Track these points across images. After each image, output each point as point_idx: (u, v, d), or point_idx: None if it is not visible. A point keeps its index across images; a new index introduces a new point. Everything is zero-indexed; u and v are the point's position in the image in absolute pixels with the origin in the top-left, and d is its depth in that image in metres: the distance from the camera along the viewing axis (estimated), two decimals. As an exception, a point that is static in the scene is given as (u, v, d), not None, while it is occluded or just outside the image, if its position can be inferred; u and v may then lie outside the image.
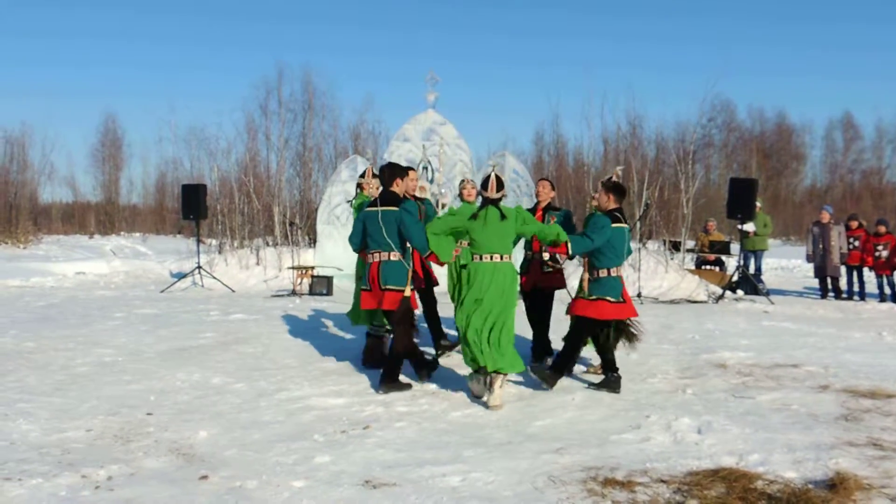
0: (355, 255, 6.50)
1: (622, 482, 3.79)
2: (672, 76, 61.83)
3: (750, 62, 59.85)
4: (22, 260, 19.30)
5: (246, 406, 5.35)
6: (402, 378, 5.89)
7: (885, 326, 9.35)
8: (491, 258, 5.43)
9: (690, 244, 15.61)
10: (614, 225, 5.75)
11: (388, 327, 6.43)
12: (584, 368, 6.56)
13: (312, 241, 16.73)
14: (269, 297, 12.43)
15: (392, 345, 5.92)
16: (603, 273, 5.75)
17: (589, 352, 6.45)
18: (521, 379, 6.07)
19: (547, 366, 6.03)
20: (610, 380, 5.82)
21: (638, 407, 5.34)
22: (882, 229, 12.59)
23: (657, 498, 3.60)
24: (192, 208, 14.10)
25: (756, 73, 60.71)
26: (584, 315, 5.76)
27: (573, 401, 5.51)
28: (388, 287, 5.81)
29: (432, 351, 7.05)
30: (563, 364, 5.90)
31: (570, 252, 5.72)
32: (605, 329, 5.93)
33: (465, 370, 5.77)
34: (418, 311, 6.45)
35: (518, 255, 6.26)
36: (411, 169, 6.91)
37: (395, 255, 5.83)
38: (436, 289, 7.30)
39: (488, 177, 5.57)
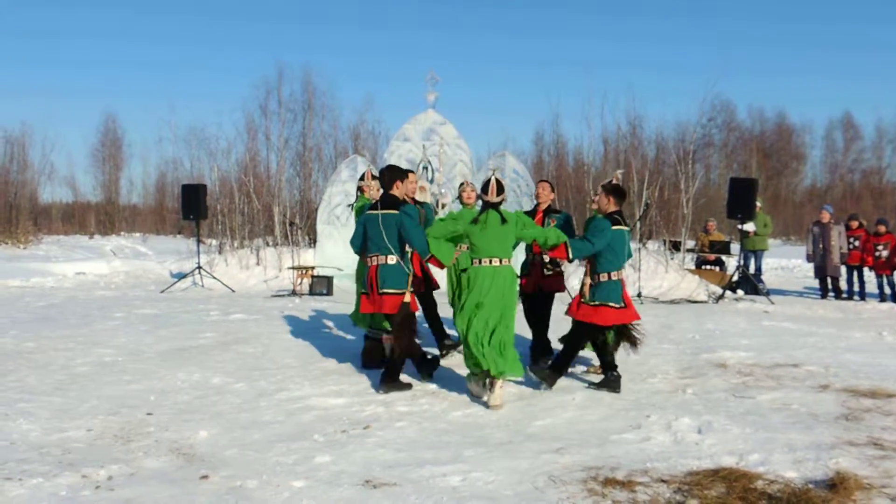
0: (356, 256, 6.50)
1: (622, 482, 3.80)
2: (672, 76, 61.93)
3: (750, 62, 59.96)
4: (22, 260, 19.30)
5: (246, 406, 5.35)
6: (403, 378, 5.89)
7: (886, 326, 9.35)
8: (490, 262, 5.43)
9: (690, 244, 15.61)
10: (614, 227, 5.75)
11: (388, 329, 6.42)
12: (584, 368, 6.56)
13: (312, 241, 16.73)
14: (270, 298, 12.43)
15: (391, 349, 5.92)
16: (604, 277, 5.75)
17: (590, 351, 6.44)
18: (521, 379, 6.07)
19: (546, 366, 6.03)
20: (610, 379, 5.82)
21: (638, 407, 5.34)
22: (882, 229, 12.59)
23: (657, 498, 3.60)
24: (192, 208, 14.10)
25: (756, 73, 60.82)
26: (587, 321, 5.76)
27: (573, 400, 5.51)
28: (385, 291, 5.81)
29: (435, 351, 7.05)
30: (563, 365, 5.90)
31: (571, 256, 5.73)
32: (605, 332, 5.93)
33: (465, 370, 5.77)
34: (418, 313, 6.45)
35: (519, 257, 6.27)
36: (411, 172, 6.91)
37: (392, 259, 5.83)
38: (435, 292, 7.30)
39: (489, 181, 5.57)
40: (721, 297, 12.38)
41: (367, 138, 32.59)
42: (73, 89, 66.53)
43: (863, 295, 12.74)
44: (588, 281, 5.85)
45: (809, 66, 62.85)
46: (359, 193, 7.17)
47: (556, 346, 6.47)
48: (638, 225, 14.51)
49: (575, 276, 12.75)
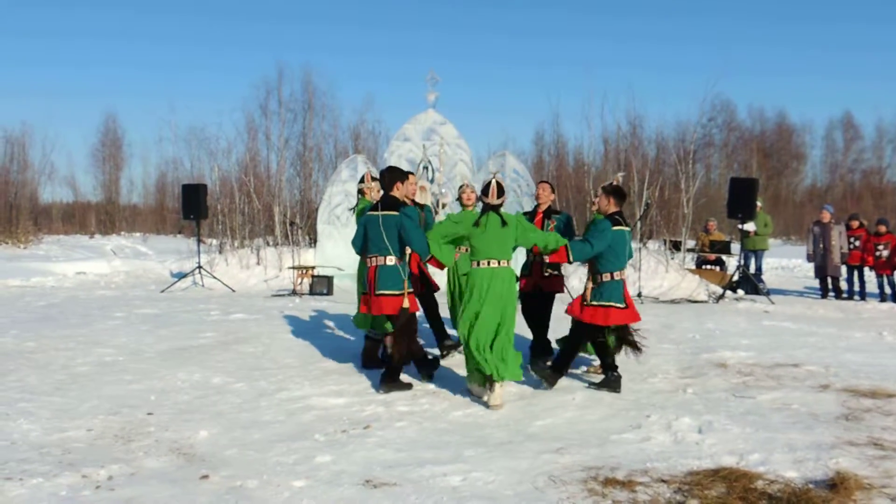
0: (356, 256, 6.50)
1: (623, 482, 3.80)
2: (672, 76, 61.91)
3: (750, 62, 59.94)
4: (22, 260, 19.31)
5: (246, 406, 5.35)
6: (403, 378, 5.90)
7: (886, 326, 9.35)
8: (489, 263, 5.43)
9: (691, 244, 15.61)
10: (615, 228, 5.76)
11: (389, 331, 6.42)
12: (584, 368, 6.56)
13: (313, 241, 16.73)
14: (270, 297, 12.43)
15: (391, 352, 5.91)
16: (606, 277, 5.76)
17: (588, 355, 6.45)
18: (524, 378, 6.07)
19: (547, 365, 6.03)
20: (610, 379, 5.82)
21: (638, 406, 5.34)
22: (882, 229, 12.59)
23: (658, 498, 3.60)
24: (192, 208, 14.10)
25: (756, 73, 60.78)
26: (588, 321, 5.76)
27: (574, 400, 5.51)
28: (382, 292, 5.81)
29: (435, 351, 7.05)
30: (564, 364, 5.91)
31: (571, 259, 5.74)
32: (605, 333, 5.93)
33: (465, 370, 5.77)
34: (419, 313, 6.45)
35: (519, 258, 6.26)
36: (410, 173, 6.91)
37: (391, 260, 5.83)
38: (435, 294, 7.29)
39: (489, 183, 5.58)
40: (721, 296, 12.38)
41: (367, 138, 32.60)
42: (73, 89, 66.61)
43: (863, 295, 12.73)
44: (590, 285, 5.86)
45: (809, 66, 62.89)
46: (360, 196, 7.18)
47: (556, 346, 6.47)
48: (638, 225, 14.51)
49: (575, 276, 12.76)
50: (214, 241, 18.49)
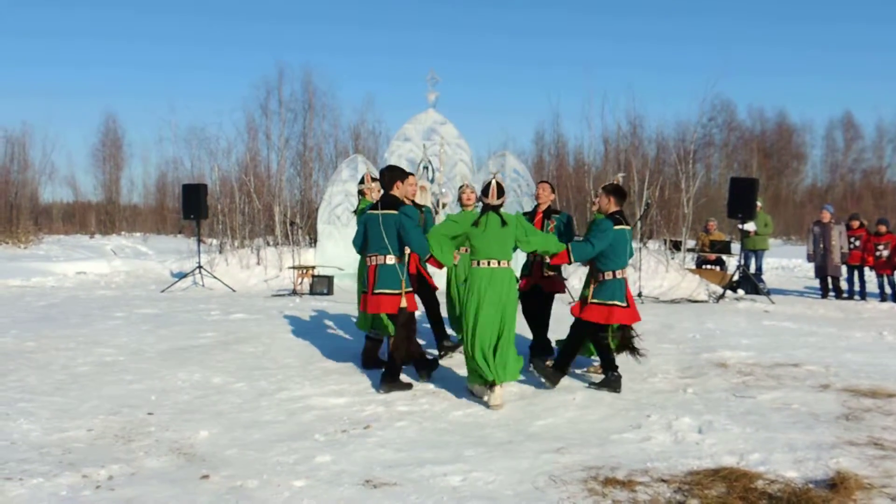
0: (356, 256, 6.50)
1: (623, 482, 3.80)
2: (672, 76, 61.91)
3: (750, 62, 59.93)
4: (23, 260, 19.31)
5: (247, 406, 5.35)
6: (403, 378, 5.90)
7: (886, 326, 9.35)
8: (489, 263, 5.43)
9: (691, 244, 15.61)
10: (616, 227, 5.76)
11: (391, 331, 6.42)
12: (584, 368, 6.56)
13: (313, 241, 16.73)
14: (270, 297, 12.43)
15: (390, 350, 5.92)
16: (608, 276, 5.76)
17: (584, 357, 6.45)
18: (523, 378, 6.07)
19: (549, 364, 6.03)
20: (610, 379, 5.83)
21: (639, 406, 5.34)
22: (883, 229, 12.59)
23: (658, 497, 3.60)
24: (192, 208, 14.09)
25: (756, 73, 60.80)
26: (590, 320, 5.76)
27: (574, 400, 5.51)
28: (380, 291, 5.81)
29: (435, 351, 7.05)
30: (565, 363, 5.91)
31: (572, 259, 5.74)
32: (606, 332, 5.93)
33: (464, 370, 5.77)
34: (419, 312, 6.44)
35: (520, 258, 6.26)
36: (410, 174, 6.90)
37: (391, 259, 5.83)
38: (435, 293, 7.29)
39: (489, 183, 5.57)
40: (721, 296, 12.38)
41: (367, 138, 32.61)
42: (73, 89, 66.67)
43: (863, 294, 12.73)
44: (593, 285, 5.86)
45: (809, 66, 62.90)
46: (360, 197, 7.18)
47: (556, 346, 6.47)
48: (639, 225, 14.51)
49: (575, 276, 12.75)
50: (215, 241, 18.49)
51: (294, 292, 12.85)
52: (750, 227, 13.61)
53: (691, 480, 3.80)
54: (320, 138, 29.55)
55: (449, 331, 7.28)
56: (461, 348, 7.06)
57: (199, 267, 14.16)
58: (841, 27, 61.69)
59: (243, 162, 20.10)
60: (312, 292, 12.85)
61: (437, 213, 12.73)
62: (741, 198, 12.44)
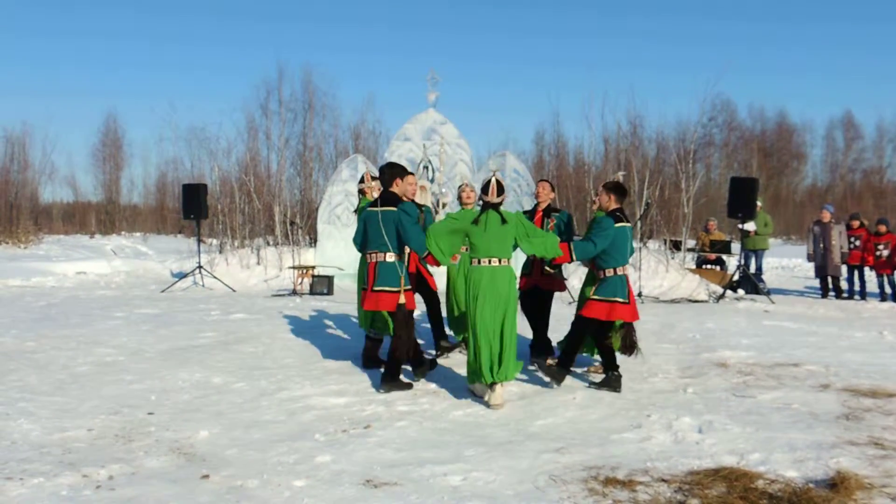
0: (356, 255, 6.50)
1: (623, 481, 3.80)
2: (672, 75, 61.89)
3: (750, 61, 59.87)
4: (23, 260, 19.31)
5: (247, 405, 5.35)
6: (403, 378, 5.90)
7: (886, 326, 9.35)
8: (490, 262, 5.43)
9: (691, 243, 15.61)
10: (617, 225, 5.77)
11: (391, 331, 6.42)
12: (584, 368, 6.56)
13: (313, 241, 16.72)
14: (270, 297, 12.44)
15: (390, 348, 5.92)
16: (609, 273, 5.77)
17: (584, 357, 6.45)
18: (525, 377, 6.08)
19: (553, 363, 6.02)
20: (611, 378, 5.83)
21: (639, 406, 5.34)
22: (883, 229, 12.59)
23: (658, 497, 3.60)
24: (192, 208, 14.09)
25: (756, 73, 60.74)
26: (592, 316, 5.76)
27: (574, 400, 5.52)
28: (379, 288, 5.81)
29: (432, 351, 7.05)
30: (569, 361, 5.91)
31: (575, 258, 5.74)
32: (607, 330, 5.93)
33: (465, 370, 5.76)
34: (419, 312, 6.44)
35: (520, 257, 6.26)
36: (410, 174, 6.89)
37: (391, 257, 5.83)
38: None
39: (489, 181, 5.57)
40: (722, 296, 12.38)
41: (367, 138, 32.55)
42: (73, 89, 66.68)
43: (863, 294, 12.74)
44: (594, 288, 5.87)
45: (810, 65, 62.88)
46: (360, 196, 7.18)
47: (556, 346, 6.47)
48: (639, 224, 14.51)
49: (575, 276, 12.75)
50: (215, 241, 18.49)
51: (294, 292, 12.85)
52: (750, 226, 13.61)
53: (691, 480, 3.80)
54: (320, 138, 29.54)
55: (448, 332, 7.28)
56: (458, 349, 7.08)
57: (200, 267, 14.16)
58: (841, 27, 61.78)
59: (243, 162, 20.09)
60: (312, 292, 12.85)
61: (436, 212, 12.74)
62: (741, 197, 12.44)
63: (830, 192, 39.76)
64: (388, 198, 5.89)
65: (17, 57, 62.87)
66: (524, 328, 6.70)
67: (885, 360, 7.09)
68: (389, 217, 5.79)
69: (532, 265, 6.67)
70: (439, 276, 7.20)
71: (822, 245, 12.89)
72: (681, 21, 65.00)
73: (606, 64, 62.47)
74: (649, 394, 5.72)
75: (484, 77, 67.29)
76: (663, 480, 3.82)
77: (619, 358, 6.04)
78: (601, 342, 5.93)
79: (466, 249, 5.66)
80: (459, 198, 6.62)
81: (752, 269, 13.83)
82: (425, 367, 6.15)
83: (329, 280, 13.03)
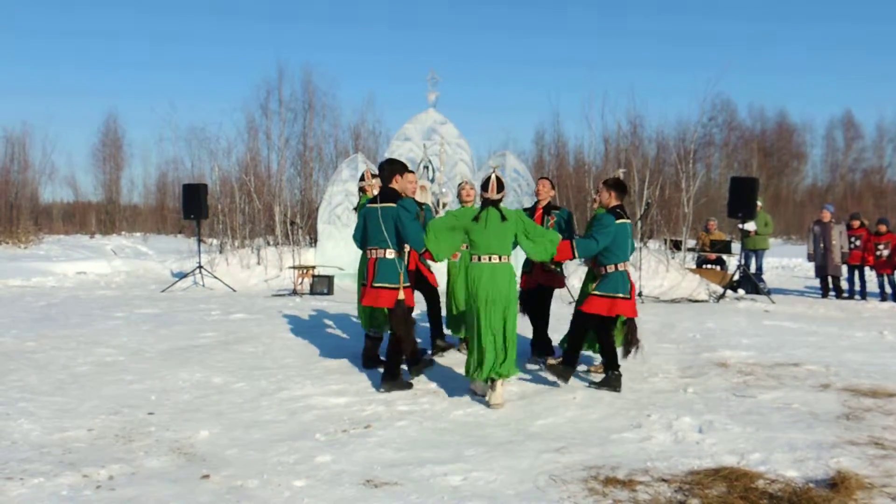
0: (356, 255, 6.50)
1: (623, 481, 3.80)
2: (673, 75, 61.88)
3: (750, 61, 59.86)
4: (23, 260, 19.30)
5: (247, 405, 5.35)
6: (404, 377, 5.89)
7: (887, 325, 9.35)
8: (490, 259, 5.42)
9: (691, 243, 15.60)
10: (617, 221, 5.77)
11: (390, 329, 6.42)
12: (585, 367, 6.56)
13: (313, 241, 16.73)
14: (270, 297, 12.44)
15: (388, 346, 5.92)
16: (610, 269, 5.78)
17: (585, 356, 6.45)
18: (526, 377, 6.07)
19: (552, 362, 6.02)
20: (611, 378, 5.83)
21: (639, 406, 5.34)
22: (883, 228, 12.59)
23: (658, 497, 3.60)
24: (192, 208, 14.09)
25: (757, 72, 60.74)
26: (593, 311, 5.76)
27: (574, 400, 5.51)
28: (379, 285, 5.81)
29: (429, 350, 7.05)
30: (573, 358, 5.90)
31: (576, 255, 5.74)
32: (609, 327, 5.93)
33: (464, 369, 5.76)
34: (419, 311, 6.44)
35: (520, 255, 6.26)
36: (410, 172, 6.89)
37: (390, 253, 5.83)
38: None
39: (489, 178, 5.56)
40: (722, 296, 12.38)
41: (367, 138, 32.57)
42: (73, 89, 66.70)
43: (864, 294, 12.74)
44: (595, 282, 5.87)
45: (810, 65, 62.89)
46: (361, 194, 7.18)
47: (556, 345, 6.46)
48: (639, 224, 14.51)
49: (575, 275, 12.75)
50: (215, 241, 18.49)
51: (294, 292, 12.85)
52: (750, 226, 13.60)
53: (692, 480, 3.80)
54: (320, 138, 29.57)
55: (446, 331, 7.27)
56: (455, 349, 7.08)
57: (200, 267, 14.16)
58: (841, 27, 61.78)
59: (243, 162, 20.09)
60: (312, 292, 12.85)
61: (436, 212, 12.74)
62: (741, 197, 12.44)
63: (830, 192, 39.77)
64: (387, 194, 5.89)
65: (17, 57, 62.95)
66: (524, 327, 6.70)
67: (885, 359, 7.09)
68: (389, 213, 5.79)
69: (532, 263, 6.66)
70: (440, 275, 7.20)
71: (822, 245, 12.89)
72: (681, 21, 65.07)
73: (606, 64, 62.55)
74: (649, 393, 5.71)
75: (484, 77, 67.37)
76: (663, 480, 3.82)
77: (620, 357, 6.03)
78: (603, 339, 5.92)
79: (467, 247, 5.65)
80: (459, 196, 6.62)
81: (753, 268, 13.83)
82: (422, 366, 6.15)
83: (329, 280, 13.03)
